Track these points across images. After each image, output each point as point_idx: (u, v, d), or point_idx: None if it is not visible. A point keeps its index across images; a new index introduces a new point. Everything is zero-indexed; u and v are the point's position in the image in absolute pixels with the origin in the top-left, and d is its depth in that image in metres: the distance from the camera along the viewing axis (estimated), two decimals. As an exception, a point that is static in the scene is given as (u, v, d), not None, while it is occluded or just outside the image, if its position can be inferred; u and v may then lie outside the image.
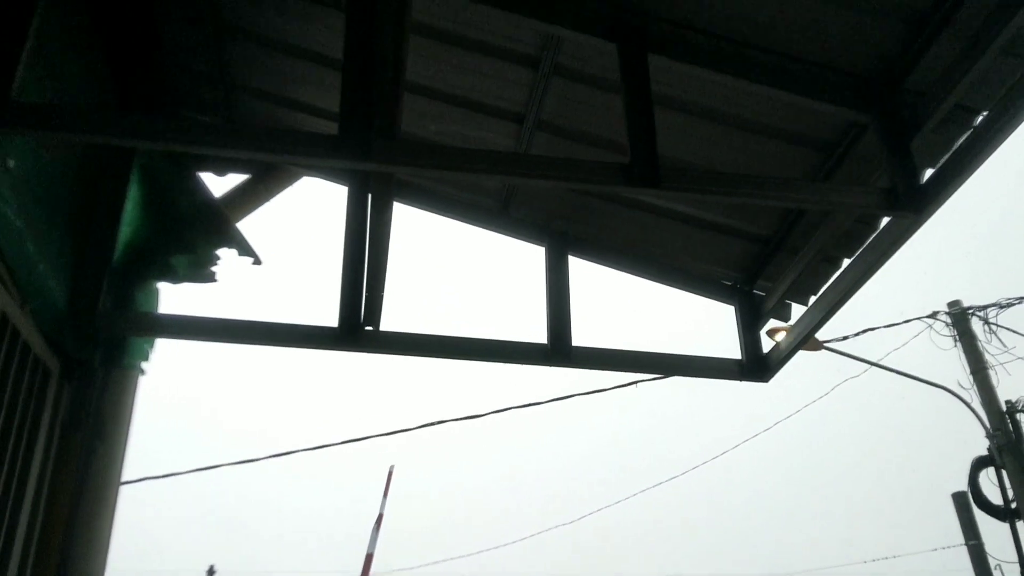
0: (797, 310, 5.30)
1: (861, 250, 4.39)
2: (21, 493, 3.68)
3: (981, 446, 13.35)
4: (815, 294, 5.10)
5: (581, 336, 5.11)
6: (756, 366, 5.33)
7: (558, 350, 5.04)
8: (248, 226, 5.24)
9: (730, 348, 5.45)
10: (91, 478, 4.02)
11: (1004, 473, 12.98)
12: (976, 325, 12.85)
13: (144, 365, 4.49)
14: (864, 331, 12.56)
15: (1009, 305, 12.60)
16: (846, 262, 4.77)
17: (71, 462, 3.98)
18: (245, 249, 5.06)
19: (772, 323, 5.56)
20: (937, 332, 13.08)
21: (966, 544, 19.98)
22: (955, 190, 3.66)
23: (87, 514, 3.97)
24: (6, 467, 3.55)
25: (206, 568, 33.38)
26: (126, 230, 4.55)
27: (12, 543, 3.62)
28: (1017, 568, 13.52)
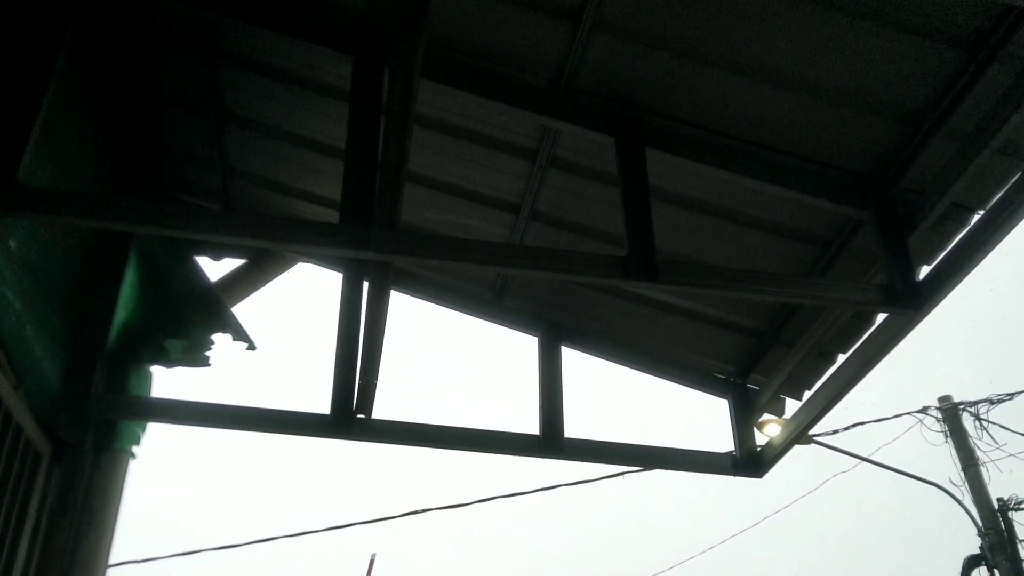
0: (791, 404, 5.29)
1: (857, 346, 4.40)
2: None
3: (973, 543, 13.20)
4: (810, 389, 5.10)
5: (574, 427, 5.08)
6: (750, 461, 5.29)
7: (550, 442, 5.00)
8: (243, 311, 5.24)
9: (726, 440, 5.42)
10: (78, 563, 3.94)
11: (996, 572, 12.81)
12: (967, 421, 12.82)
13: (135, 449, 4.43)
14: (854, 425, 12.50)
15: (1000, 401, 12.57)
16: (841, 358, 4.78)
17: (59, 547, 3.90)
18: (240, 334, 5.05)
19: (763, 416, 5.53)
20: (928, 428, 13.03)
21: (958, 645, 19.58)
22: (953, 287, 3.68)
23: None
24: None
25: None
26: (122, 313, 4.54)
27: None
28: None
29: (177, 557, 12.47)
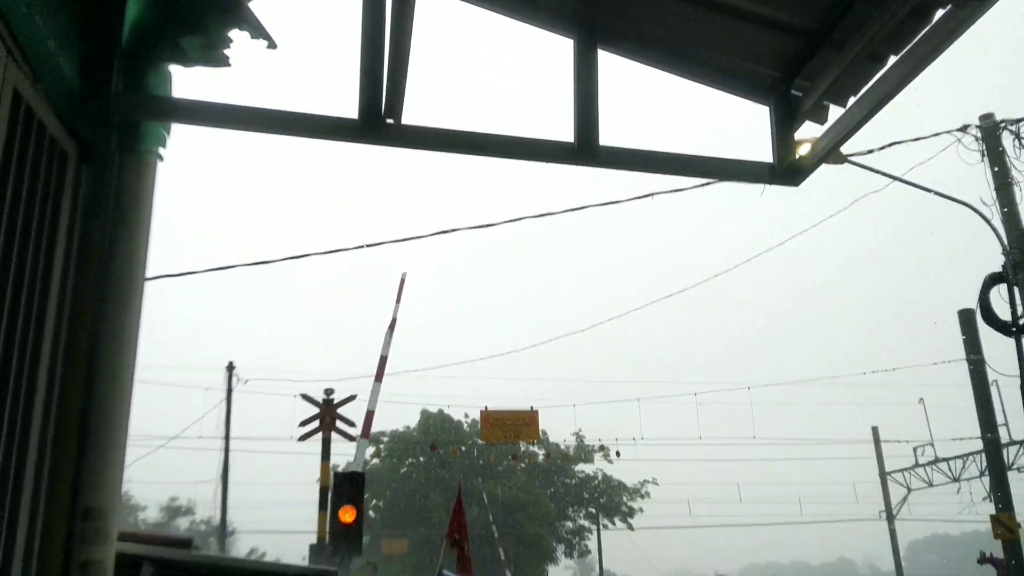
0: (834, 113, 5.09)
1: (912, 44, 4.15)
2: (48, 278, 3.61)
3: (997, 264, 13.33)
4: (856, 95, 4.87)
5: (608, 136, 4.93)
6: (787, 170, 5.16)
7: (584, 148, 4.87)
8: (260, 7, 4.96)
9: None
10: (116, 265, 3.91)
11: (1016, 290, 13.01)
12: (1007, 140, 12.53)
13: (161, 151, 4.33)
14: (890, 144, 12.26)
15: (1044, 119, 12.25)
16: (892, 60, 4.53)
17: (94, 247, 3.87)
18: (258, 31, 4.79)
19: (804, 123, 5.33)
20: (965, 147, 12.76)
21: (967, 359, 20.34)
22: (1025, -25, 3.42)
23: (115, 303, 3.87)
24: (31, 250, 3.47)
25: (225, 366, 34.31)
26: (133, 9, 4.30)
27: (43, 330, 3.57)
28: (1015, 381, 13.78)
29: (212, 272, 12.84)
